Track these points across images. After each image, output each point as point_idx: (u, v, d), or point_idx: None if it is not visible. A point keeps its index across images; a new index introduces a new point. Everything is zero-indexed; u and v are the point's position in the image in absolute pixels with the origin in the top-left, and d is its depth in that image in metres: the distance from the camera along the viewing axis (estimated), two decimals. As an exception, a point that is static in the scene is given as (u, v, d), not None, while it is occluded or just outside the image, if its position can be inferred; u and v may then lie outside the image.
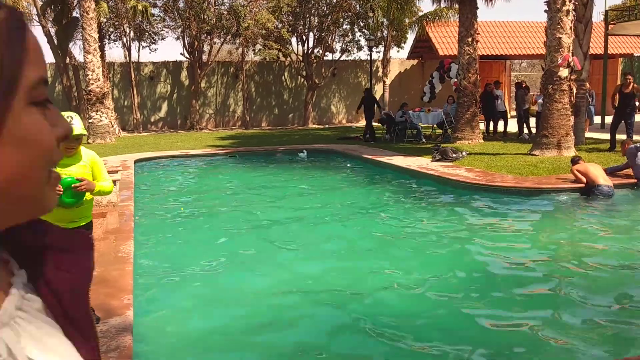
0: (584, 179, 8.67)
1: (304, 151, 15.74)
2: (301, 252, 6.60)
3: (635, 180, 9.00)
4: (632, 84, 12.34)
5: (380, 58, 27.29)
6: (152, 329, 4.38)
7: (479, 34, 16.08)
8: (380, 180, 11.57)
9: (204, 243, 7.02)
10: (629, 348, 3.94)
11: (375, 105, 18.48)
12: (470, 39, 15.53)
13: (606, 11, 19.36)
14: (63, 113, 3.04)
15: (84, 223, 3.87)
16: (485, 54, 24.42)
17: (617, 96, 12.73)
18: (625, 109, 12.53)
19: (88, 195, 3.80)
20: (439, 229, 7.45)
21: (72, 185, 3.51)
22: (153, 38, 26.60)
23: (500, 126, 17.89)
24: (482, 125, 17.83)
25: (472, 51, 15.62)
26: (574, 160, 9.22)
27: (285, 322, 4.57)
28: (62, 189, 3.46)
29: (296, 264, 6.13)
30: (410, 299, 5.02)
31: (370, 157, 13.64)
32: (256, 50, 27.04)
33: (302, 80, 27.92)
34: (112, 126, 20.12)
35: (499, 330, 4.39)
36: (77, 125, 3.54)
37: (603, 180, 8.46)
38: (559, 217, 8.02)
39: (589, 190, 8.55)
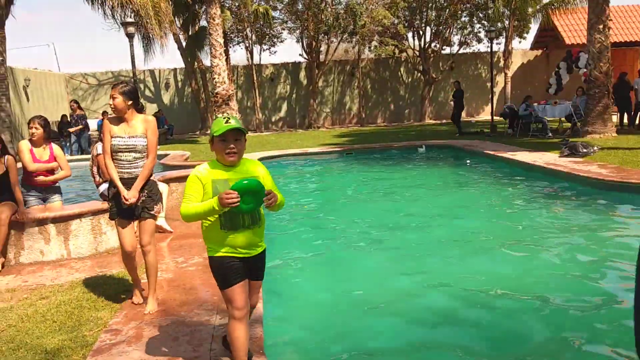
0: None
1: (423, 146, 15.55)
2: (441, 250, 6.51)
3: None
4: None
5: (502, 50, 26.25)
6: (280, 320, 4.55)
7: (611, 20, 14.96)
8: (502, 176, 11.14)
9: (330, 237, 7.16)
10: None
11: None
12: (601, 26, 14.49)
13: None
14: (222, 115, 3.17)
15: (263, 248, 3.33)
16: (617, 41, 22.71)
17: None
18: None
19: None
20: (571, 230, 7.04)
21: (264, 199, 3.05)
22: (273, 40, 27.50)
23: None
24: (615, 118, 16.60)
25: (603, 39, 14.57)
26: None
27: (425, 322, 4.55)
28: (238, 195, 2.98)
29: (439, 263, 6.06)
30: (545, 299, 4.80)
31: (492, 152, 13.18)
32: (372, 48, 27.10)
33: (419, 75, 27.57)
34: (237, 126, 21.03)
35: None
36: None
37: None
38: None
39: None
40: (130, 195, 4.32)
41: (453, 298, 4.95)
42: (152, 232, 4.48)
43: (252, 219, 3.17)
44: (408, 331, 4.39)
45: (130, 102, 4.38)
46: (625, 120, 17.12)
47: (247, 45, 26.67)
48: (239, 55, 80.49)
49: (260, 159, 14.47)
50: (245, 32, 26.26)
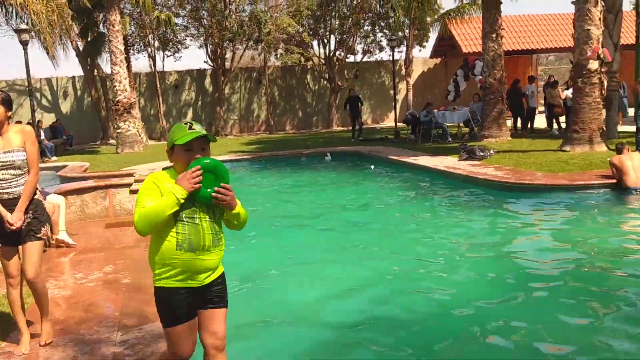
0: (616, 174, 8.42)
1: (329, 154, 15.70)
2: (348, 254, 6.51)
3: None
4: None
5: (403, 58, 27.10)
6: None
7: (503, 29, 15.82)
8: (407, 181, 11.43)
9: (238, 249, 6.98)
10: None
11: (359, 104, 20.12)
12: (494, 35, 15.29)
13: (637, 0, 18.83)
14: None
15: (220, 273, 2.89)
16: (510, 50, 24.07)
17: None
18: None
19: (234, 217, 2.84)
20: (468, 229, 7.30)
21: (214, 191, 2.66)
22: (177, 47, 26.88)
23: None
24: (509, 123, 17.55)
25: (496, 47, 15.38)
26: (618, 148, 8.91)
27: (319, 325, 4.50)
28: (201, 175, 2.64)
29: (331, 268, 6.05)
30: (441, 301, 4.90)
31: (396, 158, 13.51)
32: (278, 55, 27.14)
33: (325, 82, 27.90)
34: (140, 135, 20.34)
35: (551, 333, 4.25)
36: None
37: (633, 178, 8.18)
38: (591, 215, 7.77)
39: (622, 187, 8.30)
40: (15, 219, 3.82)
41: (365, 301, 4.96)
42: (38, 260, 3.95)
43: (214, 239, 2.73)
44: (317, 339, 4.33)
45: (9, 113, 3.96)
46: (519, 124, 18.13)
47: (150, 52, 25.88)
48: (141, 62, 78.04)
49: (166, 169, 13.99)
50: (147, 39, 25.46)
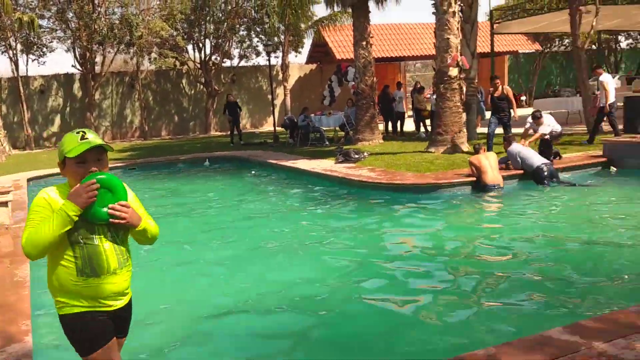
0: (475, 173, 9.16)
1: (207, 160, 15.55)
2: (235, 261, 6.50)
3: (522, 172, 9.62)
4: (500, 86, 11.95)
5: (279, 63, 27.43)
6: (52, 355, 4.16)
7: (372, 37, 16.55)
8: (285, 184, 11.64)
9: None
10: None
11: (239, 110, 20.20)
12: (364, 43, 15.96)
13: (491, 11, 20.55)
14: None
15: (129, 299, 2.66)
16: (380, 57, 25.19)
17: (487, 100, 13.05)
18: (499, 112, 11.94)
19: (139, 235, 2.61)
20: (343, 228, 7.60)
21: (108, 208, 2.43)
22: (42, 50, 25.20)
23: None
24: (381, 126, 18.38)
25: (367, 54, 16.06)
26: (475, 149, 9.70)
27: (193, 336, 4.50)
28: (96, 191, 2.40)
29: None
30: (315, 299, 5.09)
31: (274, 161, 13.68)
32: (152, 59, 26.38)
33: (201, 87, 27.53)
34: (2, 144, 18.86)
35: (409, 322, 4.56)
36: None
37: (491, 176, 8.96)
38: (456, 210, 8.43)
39: (481, 184, 9.05)
40: None
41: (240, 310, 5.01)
42: None
43: (119, 260, 2.49)
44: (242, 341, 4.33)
45: None
46: (390, 128, 19.04)
47: (12, 55, 24.02)
48: (2, 66, 72.19)
49: (31, 179, 13.13)
50: (8, 42, 23.62)
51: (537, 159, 9.37)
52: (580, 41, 14.28)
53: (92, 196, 2.36)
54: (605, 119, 12.82)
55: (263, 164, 14.05)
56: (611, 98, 12.53)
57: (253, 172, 13.55)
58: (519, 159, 9.59)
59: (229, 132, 20.56)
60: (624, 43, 33.36)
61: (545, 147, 10.46)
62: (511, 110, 11.78)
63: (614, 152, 10.36)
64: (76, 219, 2.36)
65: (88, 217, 2.40)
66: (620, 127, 13.09)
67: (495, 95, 11.75)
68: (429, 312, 4.72)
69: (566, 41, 29.97)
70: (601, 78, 12.93)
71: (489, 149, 11.44)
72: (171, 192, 11.69)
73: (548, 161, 9.47)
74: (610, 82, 12.80)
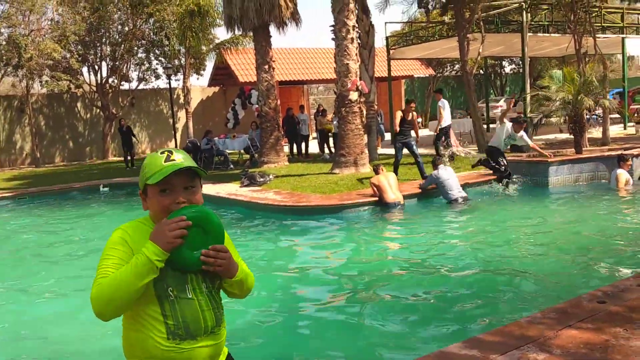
0: (377, 193, 9.42)
1: (105, 186, 14.90)
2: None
3: (419, 191, 10.00)
4: (412, 111, 12.11)
5: (181, 86, 26.98)
6: None
7: (274, 60, 16.70)
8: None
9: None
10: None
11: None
12: (267, 66, 16.07)
13: (387, 38, 21.40)
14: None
15: (226, 355, 2.12)
16: (284, 80, 25.47)
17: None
18: (405, 135, 12.03)
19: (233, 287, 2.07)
20: (249, 254, 7.53)
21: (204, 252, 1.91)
22: None
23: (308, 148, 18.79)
24: (286, 148, 18.52)
25: (269, 78, 16.18)
26: (375, 170, 9.96)
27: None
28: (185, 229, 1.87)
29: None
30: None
31: (177, 187, 13.34)
32: (43, 82, 25.05)
33: (98, 111, 26.48)
34: None
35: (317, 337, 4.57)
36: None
37: (392, 194, 9.25)
38: (361, 229, 8.62)
39: (383, 203, 9.32)
40: None
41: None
42: None
43: (217, 317, 1.97)
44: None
45: None
46: (295, 150, 19.22)
47: None
48: None
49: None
50: None
51: (456, 192, 9.48)
52: (469, 66, 15.20)
53: (179, 236, 1.83)
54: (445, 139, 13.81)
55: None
56: (444, 122, 13.50)
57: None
58: (439, 183, 9.64)
59: (127, 158, 19.91)
60: (508, 68, 35.84)
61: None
62: (412, 132, 12.01)
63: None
64: (161, 265, 1.82)
65: (176, 263, 1.87)
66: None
67: (408, 119, 11.90)
68: (323, 334, 4.76)
69: (457, 66, 31.78)
70: (439, 103, 13.85)
71: (396, 171, 11.65)
72: (62, 221, 11.07)
73: (464, 194, 9.58)
74: (445, 107, 13.76)
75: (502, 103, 29.17)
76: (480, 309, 5.03)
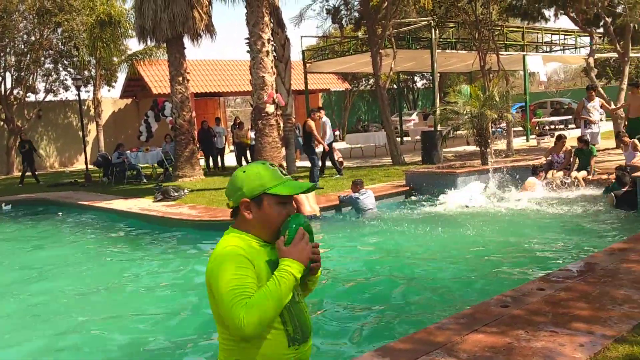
0: (294, 206, 9.42)
1: (7, 204, 14.02)
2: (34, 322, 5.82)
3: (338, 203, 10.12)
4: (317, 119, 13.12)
5: (91, 97, 25.97)
6: None
7: (189, 72, 16.44)
8: (100, 227, 10.91)
9: None
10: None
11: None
12: (180, 78, 15.79)
13: (303, 51, 21.63)
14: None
15: None
16: (200, 92, 25.12)
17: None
18: (309, 143, 13.26)
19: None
20: (160, 271, 7.32)
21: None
22: None
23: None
24: (202, 162, 18.21)
25: (184, 90, 15.89)
26: None
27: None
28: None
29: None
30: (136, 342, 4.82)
31: (87, 203, 12.80)
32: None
33: (2, 124, 24.97)
34: None
35: None
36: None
37: (308, 207, 9.30)
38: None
39: (299, 215, 9.32)
40: None
41: None
42: None
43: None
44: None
45: None
46: (212, 163, 18.94)
47: None
48: None
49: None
50: None
51: (369, 208, 9.66)
52: (382, 81, 15.62)
53: (317, 252, 1.97)
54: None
55: (74, 206, 13.05)
56: (328, 139, 13.97)
57: (60, 214, 12.50)
58: (356, 203, 9.75)
59: (29, 173, 18.92)
60: (419, 83, 37.17)
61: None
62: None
63: (415, 181, 11.39)
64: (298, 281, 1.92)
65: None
66: (419, 158, 14.49)
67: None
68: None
69: (371, 80, 32.59)
70: (322, 120, 14.35)
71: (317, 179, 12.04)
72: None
73: (376, 210, 9.73)
74: (327, 124, 14.24)
75: (414, 117, 30.22)
76: (390, 318, 5.13)
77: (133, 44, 69.80)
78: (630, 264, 5.30)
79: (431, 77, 20.34)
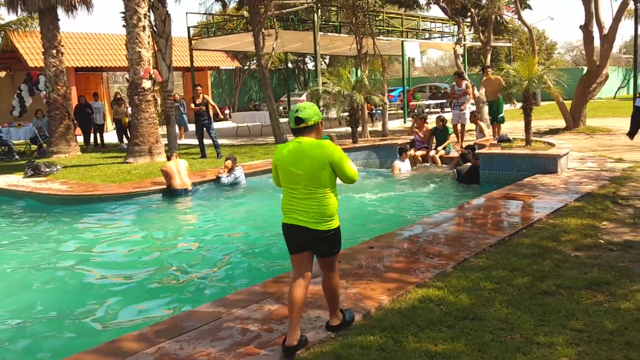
0: (166, 179, 9.59)
1: None
2: None
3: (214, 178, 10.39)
4: (201, 94, 13.03)
5: (-43, 69, 24.13)
6: None
7: (63, 45, 15.81)
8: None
9: None
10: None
11: None
12: (54, 51, 15.18)
13: (188, 28, 21.36)
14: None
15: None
16: (81, 66, 24.08)
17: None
18: (200, 118, 13.07)
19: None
20: (27, 247, 7.26)
21: None
22: None
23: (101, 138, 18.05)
24: (80, 138, 17.64)
25: (58, 63, 15.30)
26: (167, 156, 10.07)
27: None
28: None
29: None
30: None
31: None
32: None
33: None
34: None
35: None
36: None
37: (178, 180, 9.50)
38: (149, 215, 8.73)
39: (170, 190, 9.51)
40: None
41: None
42: None
43: None
44: None
45: None
46: (92, 140, 18.35)
47: None
48: None
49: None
50: None
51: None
52: (264, 60, 15.90)
53: None
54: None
55: None
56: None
57: None
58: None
59: None
60: (310, 64, 37.79)
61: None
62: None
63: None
64: None
65: None
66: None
67: (197, 101, 12.65)
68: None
69: (262, 60, 32.71)
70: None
71: (203, 154, 12.72)
72: None
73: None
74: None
75: (303, 97, 30.78)
76: (231, 278, 5.55)
77: (6, 14, 64.81)
78: (452, 227, 6.07)
79: (314, 59, 20.84)
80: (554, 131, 15.26)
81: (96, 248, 7.06)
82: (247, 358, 3.24)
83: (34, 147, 17.15)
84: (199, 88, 12.99)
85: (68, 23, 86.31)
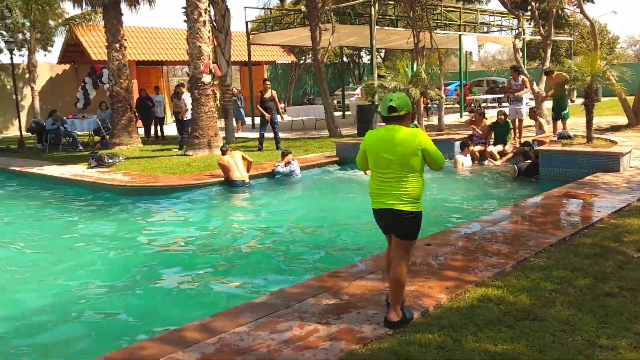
0: (224, 172, 9.78)
1: None
2: None
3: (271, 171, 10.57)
4: (269, 89, 13.37)
5: (26, 62, 25.22)
6: None
7: (126, 39, 16.30)
8: (33, 192, 10.92)
9: None
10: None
11: None
12: (117, 45, 15.65)
13: (246, 22, 21.64)
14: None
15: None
16: (142, 60, 24.76)
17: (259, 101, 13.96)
18: (266, 111, 13.27)
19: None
20: (94, 233, 7.55)
21: None
22: None
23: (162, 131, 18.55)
24: (141, 131, 18.16)
25: (121, 57, 15.77)
26: (222, 150, 10.30)
27: None
28: None
29: None
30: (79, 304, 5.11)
31: (18, 169, 12.75)
32: None
33: None
34: None
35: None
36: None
37: (237, 173, 9.69)
38: (211, 206, 8.96)
39: (229, 182, 9.70)
40: None
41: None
42: None
43: None
44: None
45: None
46: (153, 132, 18.87)
47: None
48: None
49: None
50: None
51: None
52: (320, 55, 15.95)
53: None
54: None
55: (4, 171, 12.95)
56: (187, 115, 14.60)
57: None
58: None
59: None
60: (365, 58, 37.59)
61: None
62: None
63: (344, 152, 11.90)
64: None
65: None
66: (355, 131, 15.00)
67: (265, 95, 13.13)
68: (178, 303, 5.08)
69: (317, 54, 32.79)
70: (183, 96, 14.86)
71: (260, 148, 13.27)
72: None
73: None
74: (187, 99, 14.72)
75: (358, 91, 30.69)
76: (295, 269, 5.62)
77: (71, 8, 67.26)
78: (511, 225, 5.96)
79: (370, 53, 20.73)
80: (615, 128, 14.72)
81: (171, 235, 7.31)
82: (306, 351, 3.28)
83: (97, 138, 17.78)
84: (268, 83, 13.40)
85: (130, 17, 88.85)
